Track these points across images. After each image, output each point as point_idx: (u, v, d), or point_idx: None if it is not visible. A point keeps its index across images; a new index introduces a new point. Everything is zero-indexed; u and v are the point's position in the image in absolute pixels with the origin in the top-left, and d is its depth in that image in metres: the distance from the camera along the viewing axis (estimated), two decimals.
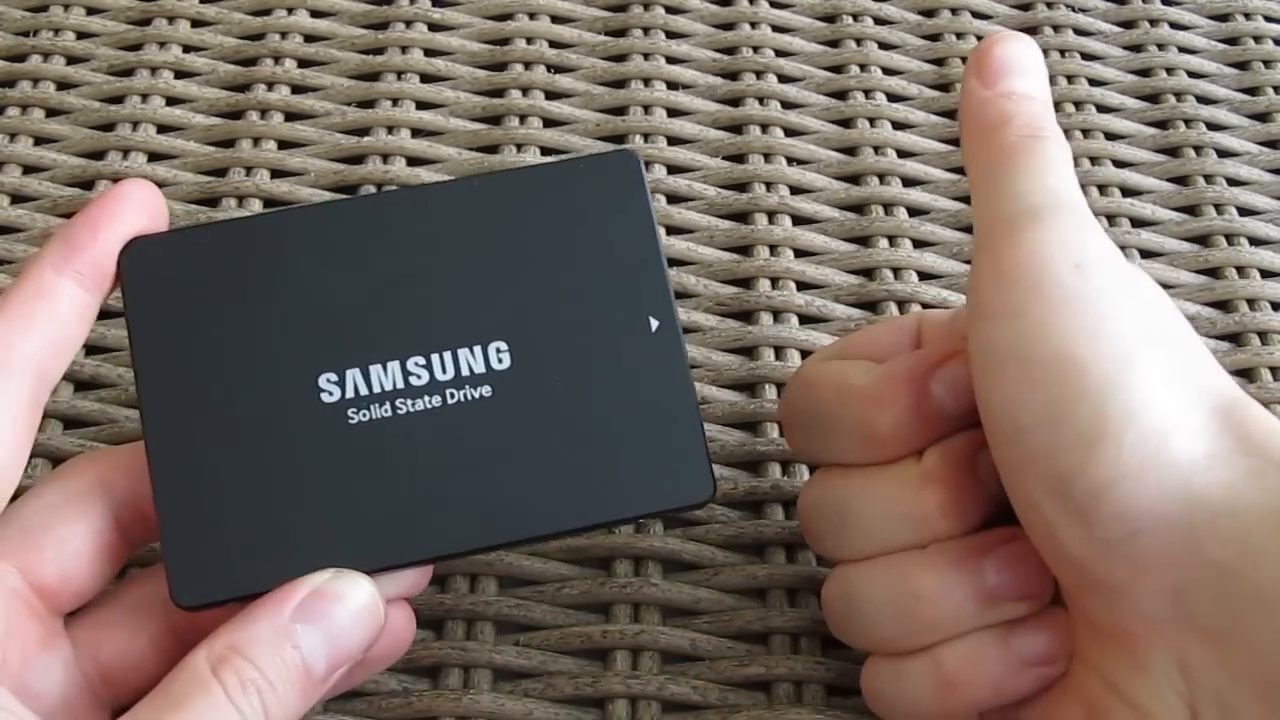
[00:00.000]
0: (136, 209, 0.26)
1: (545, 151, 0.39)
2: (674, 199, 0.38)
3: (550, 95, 0.41)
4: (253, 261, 0.26)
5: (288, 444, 0.25)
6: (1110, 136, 0.41)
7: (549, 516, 0.25)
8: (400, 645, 0.26)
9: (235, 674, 0.22)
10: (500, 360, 0.25)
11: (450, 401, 0.25)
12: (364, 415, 0.25)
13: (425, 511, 0.25)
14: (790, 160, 0.39)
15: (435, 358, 0.25)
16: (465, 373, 0.25)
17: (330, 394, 0.25)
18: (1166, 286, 0.38)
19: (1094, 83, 0.42)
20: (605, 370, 0.26)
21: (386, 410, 0.25)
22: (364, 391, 0.25)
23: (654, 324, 0.26)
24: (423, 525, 0.25)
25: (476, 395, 0.25)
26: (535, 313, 0.26)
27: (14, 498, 0.25)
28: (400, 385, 0.25)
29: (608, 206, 0.26)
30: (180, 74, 0.40)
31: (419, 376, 0.25)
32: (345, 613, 0.24)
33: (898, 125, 0.41)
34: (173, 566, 0.24)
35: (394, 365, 0.25)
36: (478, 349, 0.25)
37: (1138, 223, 0.39)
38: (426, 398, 0.25)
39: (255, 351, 0.25)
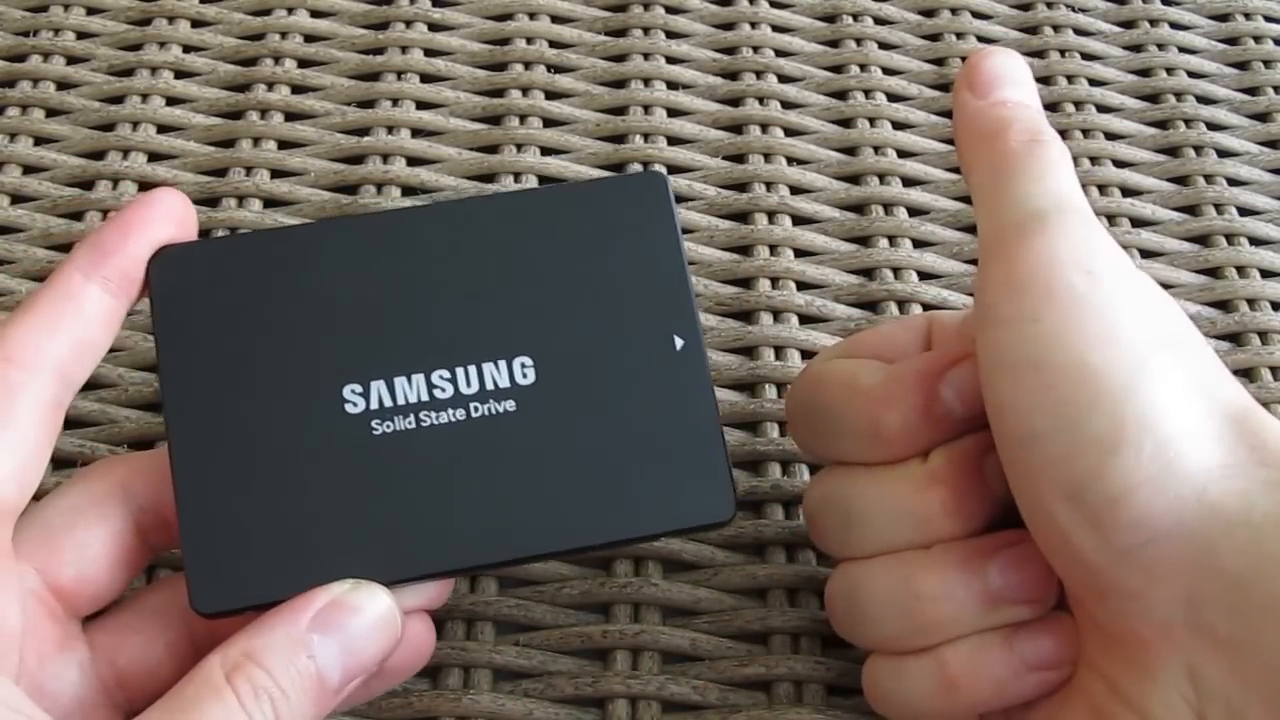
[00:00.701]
0: (166, 217, 0.26)
1: (545, 151, 0.39)
2: (674, 199, 0.38)
3: (550, 95, 0.41)
4: (280, 273, 0.26)
5: (311, 453, 0.25)
6: (1110, 136, 0.41)
7: (568, 532, 0.25)
8: (420, 658, 0.26)
9: (249, 681, 0.22)
10: (525, 375, 0.26)
11: (474, 415, 0.25)
12: (388, 427, 0.25)
13: (446, 524, 0.25)
14: (790, 160, 0.39)
15: (460, 371, 0.25)
16: (490, 387, 0.25)
17: (355, 405, 0.25)
18: (1167, 286, 0.37)
19: (1094, 83, 0.42)
20: (629, 388, 0.26)
21: (410, 422, 0.25)
22: (388, 403, 0.25)
23: (679, 343, 0.26)
24: (443, 538, 0.25)
25: (500, 409, 0.25)
26: (561, 329, 0.26)
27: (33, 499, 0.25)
28: (425, 398, 0.25)
29: (635, 226, 0.26)
30: (180, 74, 0.40)
31: (443, 389, 0.25)
32: (362, 624, 0.24)
33: (898, 125, 0.41)
34: (193, 573, 0.24)
35: (419, 378, 0.25)
36: (503, 363, 0.26)
37: (1138, 222, 0.39)
38: (450, 411, 0.25)
39: (280, 361, 0.25)
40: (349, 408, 0.25)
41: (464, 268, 0.26)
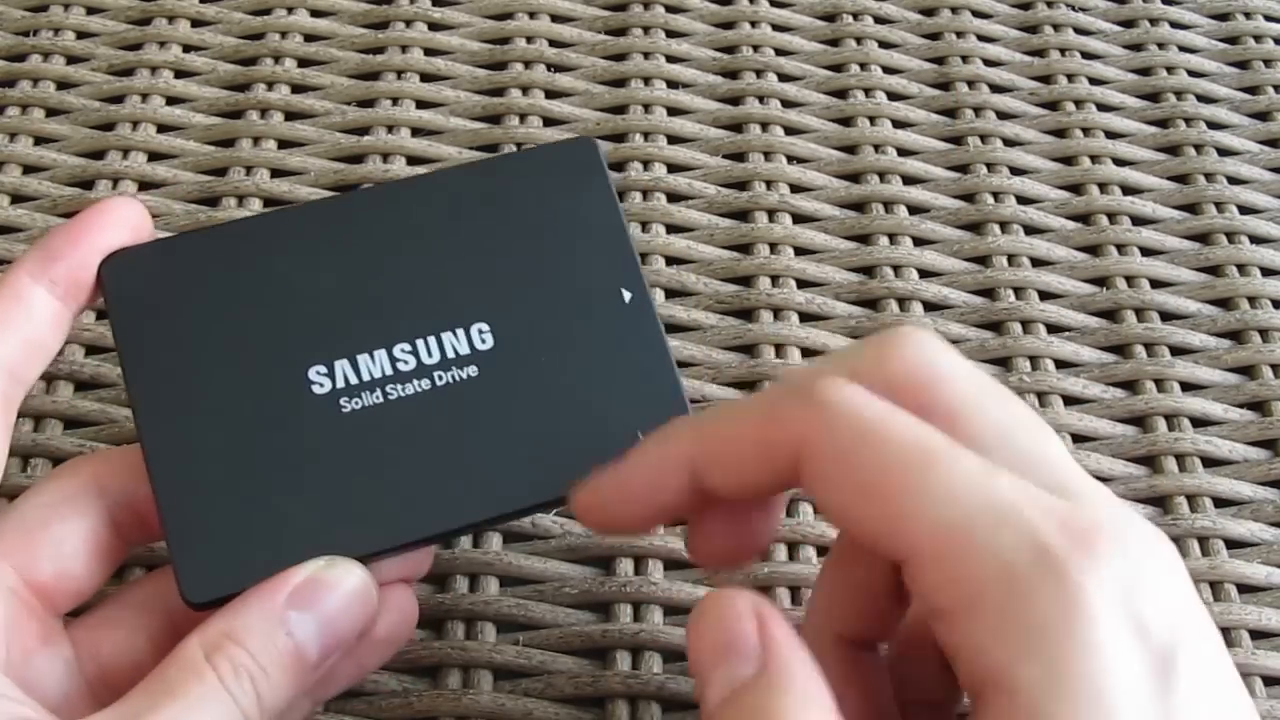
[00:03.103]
0: (118, 225, 0.26)
1: None
2: (674, 197, 0.38)
3: (550, 94, 0.41)
4: (233, 265, 0.26)
5: (282, 436, 0.25)
6: (1110, 135, 0.41)
7: (540, 487, 0.26)
8: (407, 627, 0.27)
9: (229, 660, 0.22)
10: (483, 341, 0.26)
11: (439, 384, 0.26)
12: (356, 403, 0.26)
13: (423, 492, 0.25)
14: (790, 159, 0.39)
15: (420, 343, 0.26)
16: (451, 355, 0.26)
17: (321, 385, 0.26)
18: (1167, 284, 0.38)
19: (1094, 81, 0.42)
20: (585, 342, 0.27)
21: (378, 397, 0.26)
22: (354, 380, 0.26)
23: (626, 296, 0.27)
24: (421, 505, 0.25)
25: (464, 376, 0.26)
26: (513, 293, 0.27)
27: (9, 499, 0.25)
28: (389, 372, 0.26)
29: (572, 190, 0.27)
30: (180, 74, 0.40)
31: (406, 362, 0.26)
32: (337, 599, 0.24)
33: (898, 124, 0.41)
34: (182, 566, 0.24)
35: (381, 353, 0.26)
36: (460, 331, 0.26)
37: (1138, 221, 0.39)
38: (416, 382, 0.26)
39: (243, 350, 0.26)
40: (316, 389, 0.26)
41: (412, 244, 0.27)
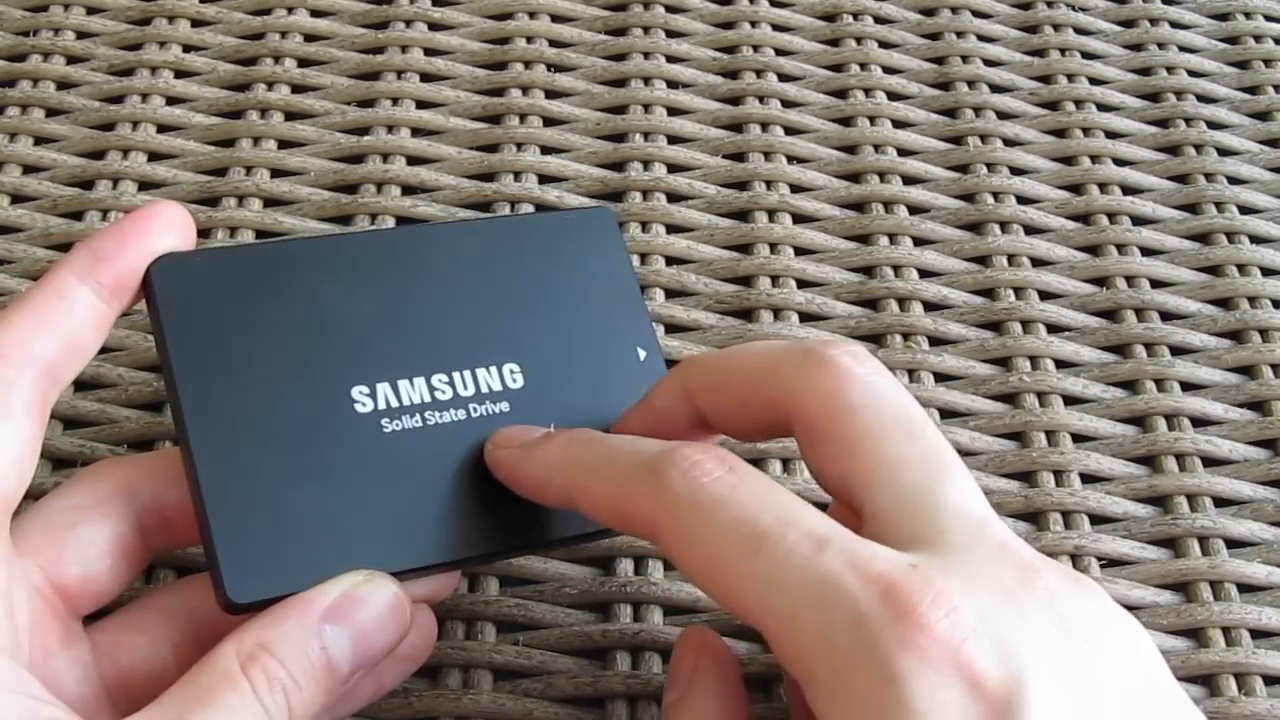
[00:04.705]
0: (166, 230, 0.26)
1: (545, 150, 0.39)
2: (674, 197, 0.38)
3: (550, 94, 0.41)
4: (279, 281, 0.27)
5: (325, 448, 0.26)
6: (1110, 135, 0.41)
7: (563, 524, 0.27)
8: (429, 645, 0.27)
9: (263, 670, 0.22)
10: (515, 380, 0.28)
11: (474, 415, 0.27)
12: (397, 425, 0.26)
13: (457, 514, 0.26)
14: (790, 159, 0.39)
15: (457, 375, 0.27)
16: (485, 390, 0.27)
17: (364, 404, 0.26)
18: (1167, 284, 0.38)
19: (1094, 81, 0.42)
20: (604, 394, 0.28)
21: (417, 421, 0.27)
22: (394, 404, 0.27)
23: (641, 354, 0.29)
24: (455, 528, 0.26)
25: (496, 410, 0.27)
26: (541, 341, 0.28)
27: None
28: (428, 399, 0.27)
29: (590, 254, 0.30)
30: (180, 74, 0.40)
31: (444, 392, 0.27)
32: (372, 615, 0.24)
33: (898, 124, 0.41)
34: (226, 567, 0.24)
35: (420, 381, 0.27)
36: (494, 369, 0.28)
37: (1138, 220, 0.39)
38: (453, 410, 0.27)
39: (287, 364, 0.26)
40: (358, 407, 0.26)
41: (449, 285, 0.28)
